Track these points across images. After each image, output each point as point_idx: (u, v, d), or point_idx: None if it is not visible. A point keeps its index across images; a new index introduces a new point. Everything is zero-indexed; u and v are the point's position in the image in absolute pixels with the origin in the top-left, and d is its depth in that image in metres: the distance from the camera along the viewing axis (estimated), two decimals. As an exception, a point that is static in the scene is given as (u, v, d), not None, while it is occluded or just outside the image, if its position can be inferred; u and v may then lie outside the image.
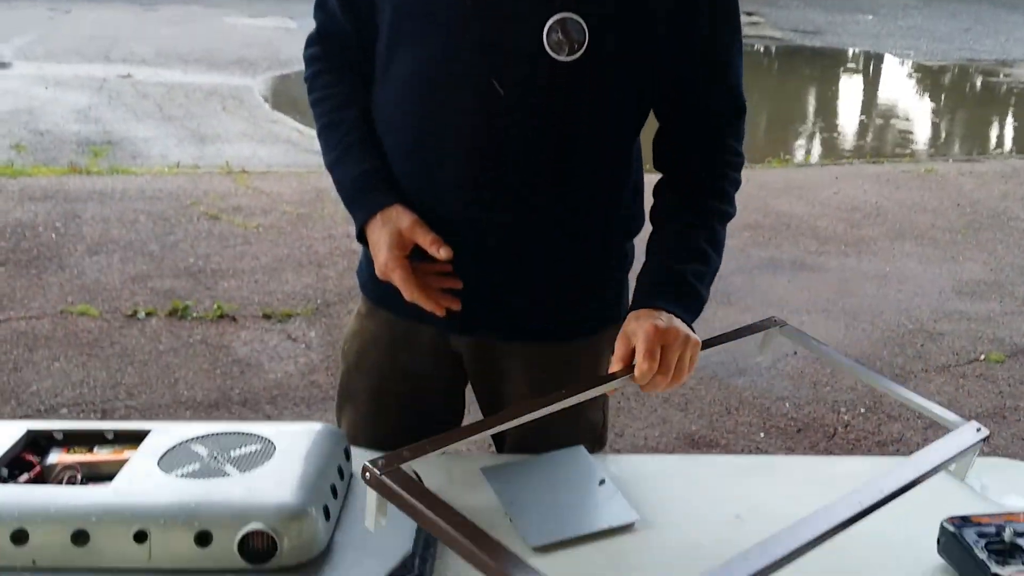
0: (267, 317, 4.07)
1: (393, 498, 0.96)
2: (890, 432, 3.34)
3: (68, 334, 3.87)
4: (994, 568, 1.08)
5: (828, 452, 3.22)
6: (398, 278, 1.29)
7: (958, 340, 4.14)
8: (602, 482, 1.34)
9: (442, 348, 1.48)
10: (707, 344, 1.29)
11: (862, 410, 3.50)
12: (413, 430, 1.54)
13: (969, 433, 1.23)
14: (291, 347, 3.81)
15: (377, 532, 1.14)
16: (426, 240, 1.28)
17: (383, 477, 0.96)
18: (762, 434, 3.29)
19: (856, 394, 3.60)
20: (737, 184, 1.40)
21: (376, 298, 1.48)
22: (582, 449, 1.41)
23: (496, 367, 1.48)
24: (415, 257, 1.31)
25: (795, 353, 3.96)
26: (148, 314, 4.06)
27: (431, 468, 1.35)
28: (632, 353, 1.22)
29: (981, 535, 1.13)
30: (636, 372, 1.20)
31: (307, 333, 3.94)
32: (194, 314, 4.06)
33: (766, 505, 1.33)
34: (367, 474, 0.97)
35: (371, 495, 0.98)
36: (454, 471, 1.40)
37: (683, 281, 1.31)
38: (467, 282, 1.37)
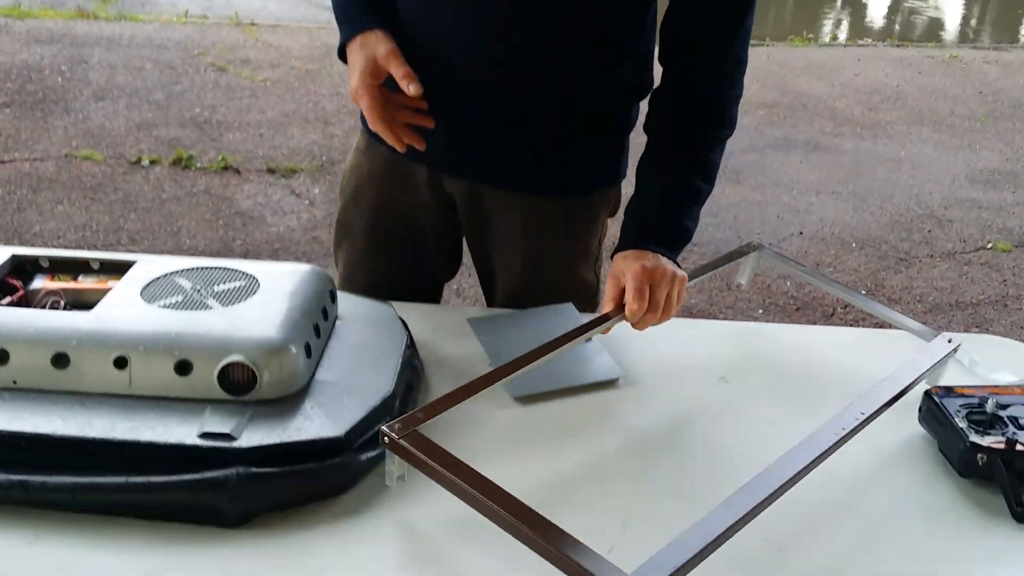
0: (271, 171, 4.04)
1: (412, 460, 0.96)
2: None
3: (72, 178, 3.86)
4: (972, 437, 1.07)
5: (825, 331, 3.24)
6: (364, 105, 1.26)
7: (967, 228, 4.11)
8: (589, 339, 1.33)
9: (436, 190, 1.46)
10: (690, 276, 1.33)
11: (863, 292, 3.49)
12: (408, 271, 1.54)
13: (941, 346, 1.26)
14: (294, 202, 3.79)
15: (358, 372, 1.14)
16: (399, 72, 1.24)
17: (401, 441, 0.97)
18: (760, 311, 3.29)
19: (858, 276, 3.59)
20: (739, 96, 1.35)
21: (373, 133, 1.45)
22: (571, 306, 1.40)
23: (488, 215, 1.46)
24: (393, 86, 1.27)
25: (800, 233, 3.94)
26: (152, 162, 4.04)
27: (419, 318, 1.35)
28: (622, 293, 1.24)
29: (963, 405, 1.13)
30: (627, 311, 1.23)
31: (311, 189, 3.92)
32: (198, 164, 4.03)
33: (751, 369, 1.33)
34: (385, 438, 0.98)
35: (390, 457, 0.99)
36: (441, 321, 1.39)
37: (671, 222, 1.32)
38: (463, 126, 1.35)
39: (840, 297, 1.41)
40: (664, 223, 1.31)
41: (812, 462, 0.99)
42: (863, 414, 1.07)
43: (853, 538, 1.01)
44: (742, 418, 1.22)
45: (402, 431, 0.98)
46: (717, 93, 1.33)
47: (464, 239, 1.56)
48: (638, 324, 1.24)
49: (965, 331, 3.22)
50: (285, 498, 1.00)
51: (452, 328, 1.36)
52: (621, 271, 1.25)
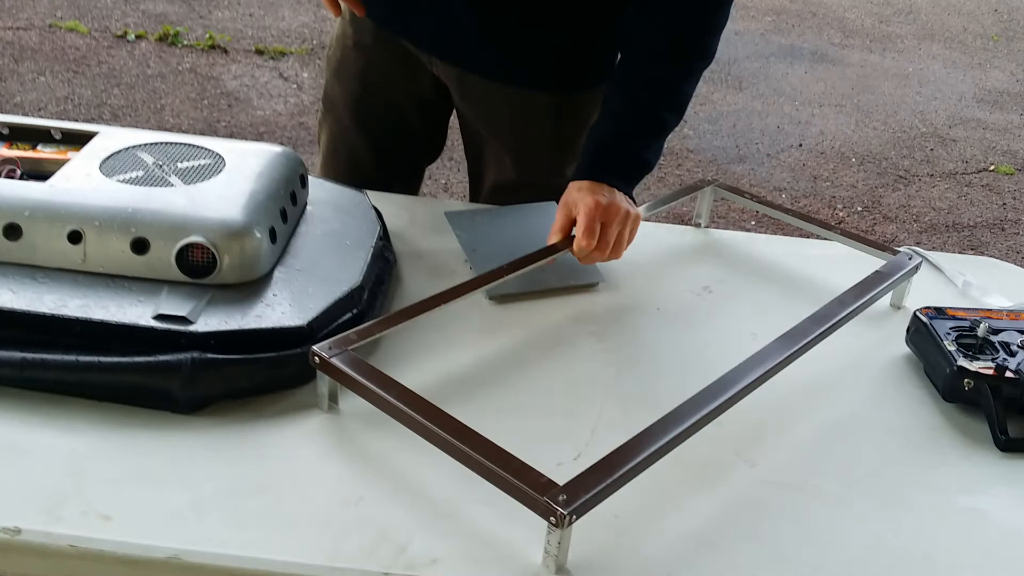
0: (259, 53, 3.92)
1: (344, 380, 0.92)
2: (884, 232, 3.29)
3: (55, 49, 3.74)
4: (960, 361, 1.03)
5: (817, 246, 3.18)
6: None
7: (970, 148, 4.03)
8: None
9: (426, 71, 1.40)
10: (650, 215, 1.28)
11: (859, 208, 3.43)
12: (390, 149, 1.48)
13: (903, 261, 1.22)
14: (282, 86, 3.68)
15: (326, 261, 1.09)
16: None
17: (333, 360, 0.92)
18: (753, 222, 3.24)
19: (855, 192, 3.53)
20: (723, 25, 1.26)
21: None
22: (552, 204, 1.34)
23: (479, 105, 1.41)
24: None
25: (800, 145, 3.86)
26: (138, 37, 3.91)
27: (394, 209, 1.30)
28: (572, 223, 1.18)
29: (954, 328, 1.08)
30: (575, 247, 1.16)
31: (300, 73, 3.80)
32: (185, 41, 3.91)
33: (737, 279, 1.29)
34: (316, 358, 0.93)
35: (321, 379, 0.94)
36: (417, 213, 1.34)
37: (632, 154, 1.24)
38: (453, 11, 1.28)
39: (802, 228, 1.36)
40: (624, 155, 1.24)
41: (760, 377, 0.96)
42: (818, 328, 1.04)
43: (828, 457, 0.97)
44: (723, 329, 1.18)
45: (334, 351, 0.93)
46: (699, 21, 1.23)
47: (449, 124, 1.51)
48: (585, 260, 1.18)
49: (960, 253, 3.17)
50: (241, 387, 0.96)
51: (429, 221, 1.31)
52: (574, 202, 1.19)
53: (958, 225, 3.38)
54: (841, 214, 3.39)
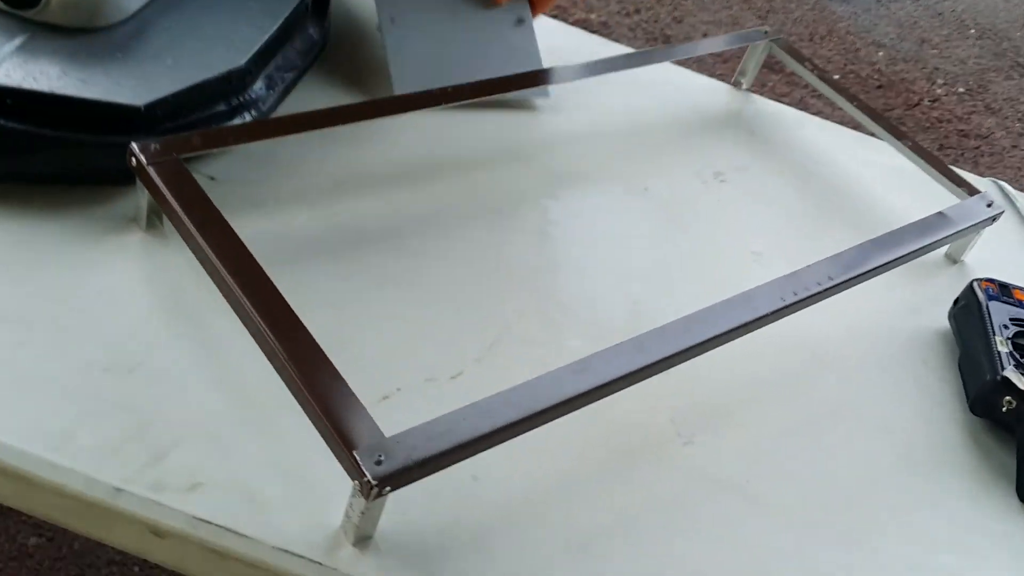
0: None
1: (158, 197, 0.67)
2: (979, 125, 2.88)
3: None
4: (1007, 370, 0.75)
5: (900, 122, 2.79)
6: None
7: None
8: (520, 22, 0.97)
9: None
10: (680, 55, 0.99)
11: (960, 89, 3.01)
12: None
13: (978, 208, 0.89)
14: None
15: (211, 28, 0.81)
16: None
17: (150, 169, 0.66)
18: (837, 76, 2.85)
19: (964, 69, 3.09)
20: None
21: None
22: (526, 7, 1.02)
23: None
24: None
25: None
26: None
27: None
28: None
29: (1015, 320, 0.80)
30: None
31: None
32: None
33: (760, 170, 0.99)
34: (133, 160, 0.67)
35: (140, 190, 0.69)
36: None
37: None
38: None
39: (865, 126, 1.02)
40: None
41: (739, 327, 0.68)
42: (830, 279, 0.74)
43: (792, 454, 0.72)
44: (720, 237, 0.90)
45: (157, 155, 0.67)
46: None
47: None
48: None
49: (1054, 170, 2.78)
50: (37, 171, 0.71)
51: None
52: None
53: (1064, 138, 2.96)
54: (939, 91, 2.97)
